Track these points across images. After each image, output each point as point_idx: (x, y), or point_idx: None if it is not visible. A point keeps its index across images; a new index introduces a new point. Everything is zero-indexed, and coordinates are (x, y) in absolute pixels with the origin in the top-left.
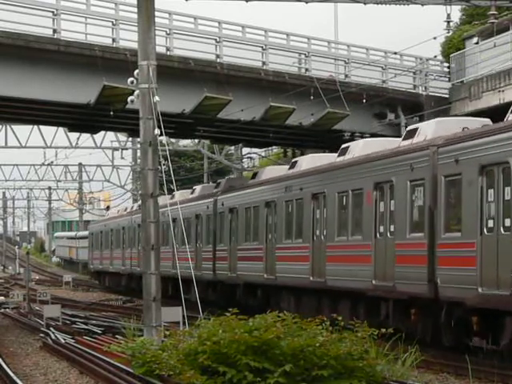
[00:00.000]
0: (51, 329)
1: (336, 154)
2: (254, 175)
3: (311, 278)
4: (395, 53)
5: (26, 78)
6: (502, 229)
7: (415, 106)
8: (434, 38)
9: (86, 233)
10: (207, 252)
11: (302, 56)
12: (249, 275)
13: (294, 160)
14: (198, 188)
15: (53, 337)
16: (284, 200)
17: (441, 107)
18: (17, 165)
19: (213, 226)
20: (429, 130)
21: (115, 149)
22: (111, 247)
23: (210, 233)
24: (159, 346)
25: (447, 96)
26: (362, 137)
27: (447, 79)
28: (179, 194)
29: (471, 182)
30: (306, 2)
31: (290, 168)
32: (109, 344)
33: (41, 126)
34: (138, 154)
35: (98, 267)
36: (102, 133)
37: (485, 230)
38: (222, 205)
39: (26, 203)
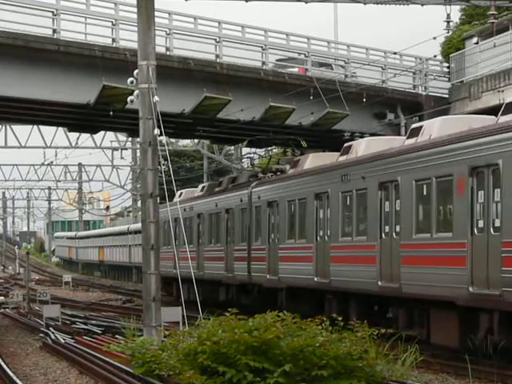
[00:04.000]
0: (51, 329)
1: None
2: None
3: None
4: (395, 53)
5: (25, 78)
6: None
7: (415, 106)
8: (434, 38)
9: (85, 233)
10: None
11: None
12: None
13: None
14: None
15: (52, 337)
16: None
17: (440, 107)
18: (16, 165)
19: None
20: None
21: (115, 149)
22: (199, 242)
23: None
24: (159, 345)
25: (447, 96)
26: (361, 137)
27: (447, 79)
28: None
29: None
30: (306, 2)
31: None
32: (108, 344)
33: (40, 126)
34: (138, 154)
35: (171, 272)
36: (102, 133)
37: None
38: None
39: (26, 203)
